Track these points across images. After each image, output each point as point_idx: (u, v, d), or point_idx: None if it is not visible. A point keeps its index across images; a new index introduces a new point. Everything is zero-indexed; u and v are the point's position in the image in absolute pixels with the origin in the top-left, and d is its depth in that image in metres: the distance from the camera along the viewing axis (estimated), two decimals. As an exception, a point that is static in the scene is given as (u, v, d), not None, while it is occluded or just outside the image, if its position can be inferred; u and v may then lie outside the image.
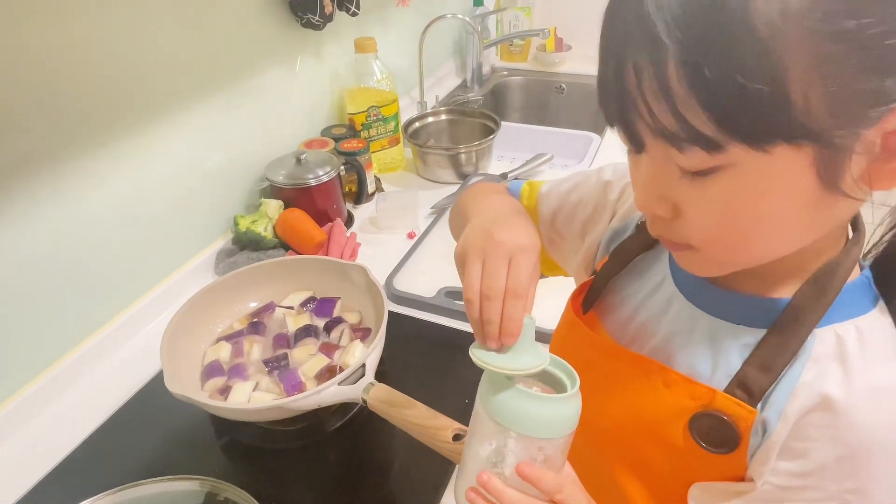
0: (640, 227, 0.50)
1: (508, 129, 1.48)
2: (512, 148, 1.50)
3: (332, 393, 0.67)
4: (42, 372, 0.82)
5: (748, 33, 0.29)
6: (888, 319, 0.39)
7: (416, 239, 1.11)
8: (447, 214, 1.17)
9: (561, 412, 0.40)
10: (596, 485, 0.49)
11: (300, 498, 0.70)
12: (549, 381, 0.43)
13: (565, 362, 0.42)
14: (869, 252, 0.43)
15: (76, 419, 0.80)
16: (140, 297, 0.94)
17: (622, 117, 0.35)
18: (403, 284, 0.99)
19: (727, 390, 0.40)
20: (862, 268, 0.41)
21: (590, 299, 0.51)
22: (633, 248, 0.50)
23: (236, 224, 1.05)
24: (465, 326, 0.91)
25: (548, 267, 0.64)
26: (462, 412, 0.75)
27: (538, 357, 0.42)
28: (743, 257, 0.39)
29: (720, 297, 0.43)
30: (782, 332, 0.39)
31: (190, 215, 1.02)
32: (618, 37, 0.34)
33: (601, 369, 0.47)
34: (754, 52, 0.29)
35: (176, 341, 0.76)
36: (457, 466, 0.45)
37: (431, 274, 1.01)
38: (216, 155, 1.04)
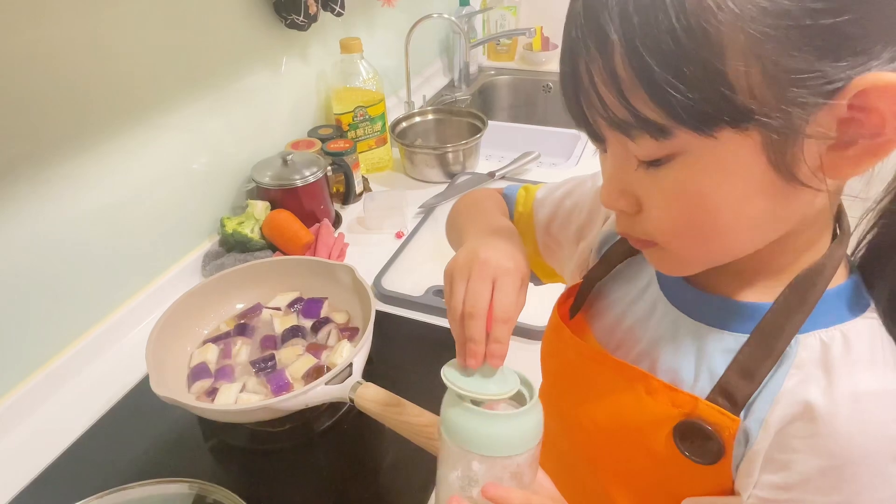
0: None
1: (496, 128, 1.48)
2: (499, 147, 1.50)
3: (319, 393, 0.67)
4: (28, 377, 0.81)
5: (684, 15, 0.29)
6: (877, 324, 0.38)
7: (404, 238, 1.11)
8: (435, 213, 1.18)
9: (520, 427, 0.39)
10: (585, 494, 0.49)
11: (289, 499, 0.70)
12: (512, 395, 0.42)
13: (522, 374, 0.42)
14: (855, 251, 0.41)
15: (63, 424, 0.79)
16: (126, 301, 0.94)
17: (581, 113, 0.36)
18: (392, 284, 0.99)
19: (709, 398, 0.39)
20: (851, 270, 0.40)
21: (578, 304, 0.51)
22: (620, 253, 0.49)
23: (223, 226, 1.04)
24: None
25: (545, 274, 0.63)
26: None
27: (507, 380, 0.42)
28: (708, 252, 0.38)
29: (702, 300, 0.42)
30: (764, 337, 0.38)
31: (176, 218, 1.01)
32: (571, 35, 0.34)
33: (586, 375, 0.47)
34: (691, 34, 0.29)
35: (162, 344, 0.76)
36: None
37: (419, 273, 1.02)
38: (202, 157, 1.04)
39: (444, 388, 0.42)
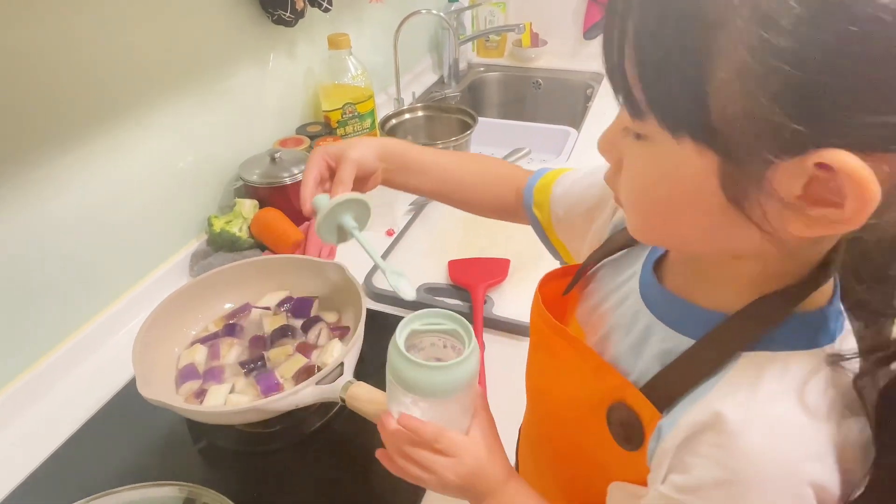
0: None
1: (486, 124, 1.48)
2: (490, 143, 1.50)
3: (309, 393, 0.66)
4: (13, 380, 0.80)
5: (697, 14, 0.29)
6: (824, 366, 0.35)
7: (394, 236, 1.11)
8: (426, 210, 1.18)
9: (448, 377, 0.46)
10: (546, 466, 0.53)
11: (280, 501, 0.69)
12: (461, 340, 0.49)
13: (469, 326, 0.48)
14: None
15: (49, 428, 0.78)
16: (113, 302, 0.92)
17: (608, 63, 0.36)
18: (383, 282, 0.98)
19: (642, 388, 0.39)
20: (832, 302, 0.38)
21: (574, 282, 0.53)
22: (623, 240, 0.50)
23: (210, 225, 1.03)
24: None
25: (565, 253, 0.65)
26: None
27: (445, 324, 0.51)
28: (655, 233, 0.39)
29: (667, 299, 0.42)
30: (707, 347, 0.38)
31: (162, 217, 1.00)
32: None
33: (553, 350, 0.49)
34: (693, 35, 0.29)
35: (149, 346, 0.74)
36: None
37: (411, 271, 1.00)
38: (188, 155, 1.03)
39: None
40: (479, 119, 1.36)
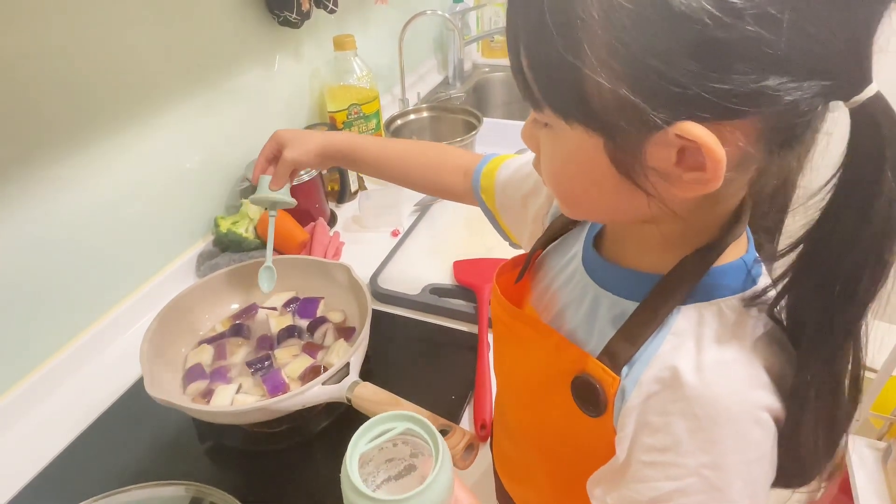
0: None
1: (491, 125, 1.48)
2: (495, 144, 1.49)
3: (316, 393, 0.66)
4: (21, 379, 0.80)
5: (565, 12, 0.32)
6: (754, 302, 0.40)
7: (400, 237, 1.11)
8: (431, 211, 1.18)
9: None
10: (518, 447, 0.56)
11: (286, 500, 0.69)
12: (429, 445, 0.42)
13: (433, 428, 0.42)
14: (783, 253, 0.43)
15: (57, 428, 0.78)
16: (119, 303, 0.93)
17: (511, 64, 0.39)
18: (388, 282, 0.98)
19: (598, 357, 0.42)
20: (748, 250, 0.43)
21: (524, 270, 0.55)
22: (563, 224, 0.54)
23: (217, 226, 1.04)
24: (452, 324, 0.91)
25: (513, 236, 0.69)
26: (447, 408, 0.75)
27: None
28: (577, 208, 0.43)
29: (608, 269, 0.46)
30: (649, 306, 0.41)
31: (169, 218, 1.00)
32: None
33: (516, 335, 0.51)
34: (564, 32, 0.32)
35: (156, 346, 0.75)
36: None
37: (416, 271, 1.01)
38: (195, 156, 1.03)
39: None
40: (484, 119, 1.36)
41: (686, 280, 0.40)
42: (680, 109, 0.31)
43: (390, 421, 0.43)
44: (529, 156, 0.63)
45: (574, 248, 0.51)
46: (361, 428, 0.43)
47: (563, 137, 0.37)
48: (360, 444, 0.42)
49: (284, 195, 0.77)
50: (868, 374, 1.36)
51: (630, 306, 0.42)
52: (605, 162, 0.36)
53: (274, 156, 0.75)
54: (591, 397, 0.42)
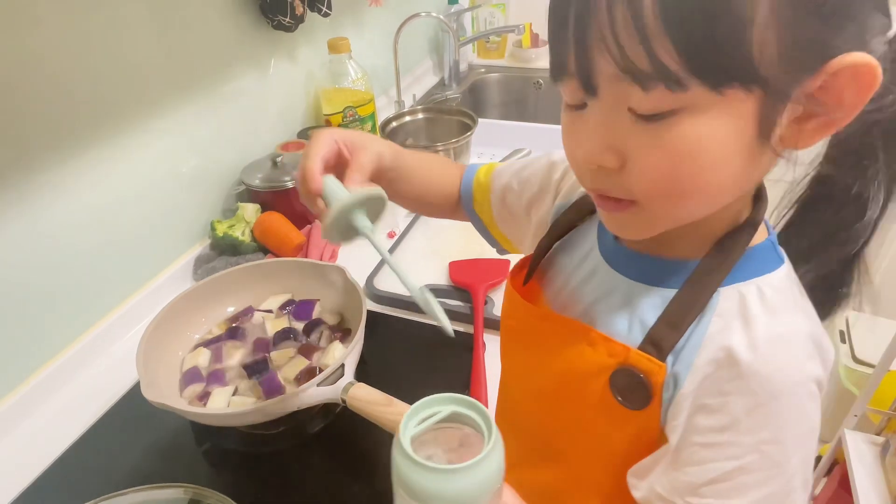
0: (576, 202, 0.53)
1: (487, 125, 1.48)
2: (491, 144, 1.50)
3: (311, 394, 0.67)
4: (19, 385, 0.81)
5: None
6: (788, 278, 0.42)
7: (396, 238, 1.11)
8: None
9: (474, 480, 0.36)
10: (535, 445, 0.53)
11: (284, 501, 0.70)
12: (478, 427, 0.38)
13: (484, 409, 0.38)
14: (778, 220, 0.47)
15: (55, 432, 0.79)
16: (117, 307, 0.93)
17: (580, 60, 0.35)
18: (384, 284, 0.99)
19: (640, 347, 0.42)
20: (769, 232, 0.44)
21: (531, 272, 0.54)
22: (568, 222, 0.53)
23: (213, 229, 1.04)
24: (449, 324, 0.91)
25: (506, 242, 0.67)
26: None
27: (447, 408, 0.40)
28: (680, 211, 0.39)
29: (637, 260, 0.46)
30: (690, 291, 0.41)
31: (166, 222, 1.01)
32: None
33: (537, 333, 0.50)
34: None
35: (153, 349, 0.75)
36: None
37: (412, 272, 1.01)
38: (191, 160, 1.03)
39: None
40: (480, 120, 1.36)
41: (725, 262, 0.41)
42: (846, 41, 0.32)
43: (438, 404, 0.39)
44: (522, 161, 0.62)
45: (585, 245, 0.50)
46: (416, 405, 0.39)
47: (708, 114, 0.33)
48: (409, 427, 0.38)
49: (372, 189, 0.51)
50: (865, 370, 1.37)
51: (667, 294, 0.43)
52: (751, 127, 0.34)
53: (332, 154, 0.52)
54: (635, 389, 0.42)
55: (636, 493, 0.44)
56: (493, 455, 0.36)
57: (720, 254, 0.41)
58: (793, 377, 0.38)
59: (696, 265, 0.42)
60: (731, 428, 0.39)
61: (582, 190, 0.53)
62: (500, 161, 1.32)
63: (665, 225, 0.41)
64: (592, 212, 0.51)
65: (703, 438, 0.40)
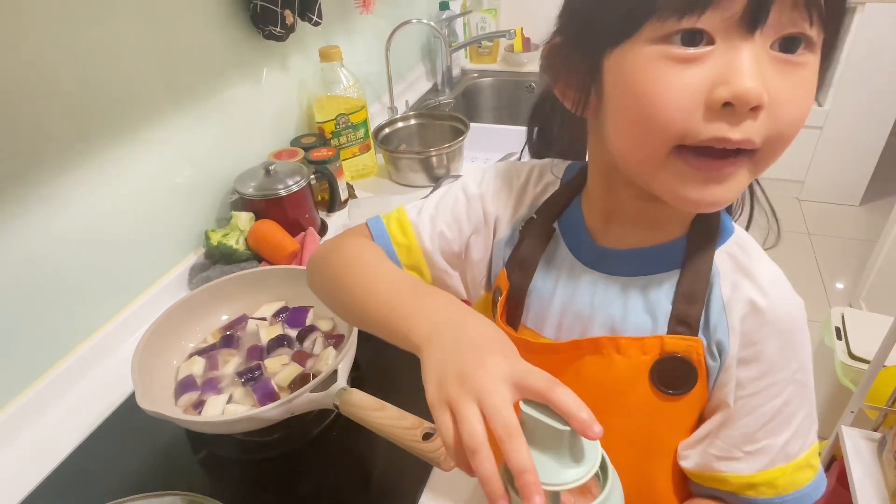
0: (524, 230, 0.51)
1: (479, 129, 1.49)
2: (484, 148, 1.51)
3: (304, 401, 0.67)
4: (16, 396, 0.81)
5: None
6: (744, 231, 0.47)
7: (389, 244, 1.12)
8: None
9: None
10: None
11: (280, 507, 0.70)
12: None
13: (603, 453, 0.35)
14: None
15: (51, 442, 0.79)
16: (113, 317, 0.94)
17: None
18: (378, 289, 0.99)
19: (670, 331, 0.44)
20: None
21: (515, 315, 0.51)
22: (531, 253, 0.50)
23: (207, 238, 1.05)
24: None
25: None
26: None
27: (586, 453, 0.34)
28: (775, 159, 0.40)
29: (629, 257, 0.47)
30: (692, 264, 0.44)
31: (160, 232, 1.01)
32: None
33: (559, 367, 0.47)
34: None
35: (147, 358, 0.76)
36: None
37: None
38: (185, 170, 1.04)
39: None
40: (473, 125, 1.37)
41: (710, 228, 0.45)
42: None
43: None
44: (430, 202, 0.55)
45: (563, 266, 0.49)
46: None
47: (814, 63, 0.38)
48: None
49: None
50: (861, 366, 1.36)
51: (670, 276, 0.45)
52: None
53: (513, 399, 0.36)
54: (680, 373, 0.44)
55: (686, 463, 0.47)
56: (611, 499, 0.34)
57: (704, 224, 0.45)
58: (798, 307, 0.44)
59: (683, 242, 0.45)
60: (770, 371, 0.43)
61: (520, 217, 0.52)
62: (496, 162, 1.33)
63: (749, 181, 0.40)
64: (549, 234, 0.50)
65: (749, 389, 0.43)
